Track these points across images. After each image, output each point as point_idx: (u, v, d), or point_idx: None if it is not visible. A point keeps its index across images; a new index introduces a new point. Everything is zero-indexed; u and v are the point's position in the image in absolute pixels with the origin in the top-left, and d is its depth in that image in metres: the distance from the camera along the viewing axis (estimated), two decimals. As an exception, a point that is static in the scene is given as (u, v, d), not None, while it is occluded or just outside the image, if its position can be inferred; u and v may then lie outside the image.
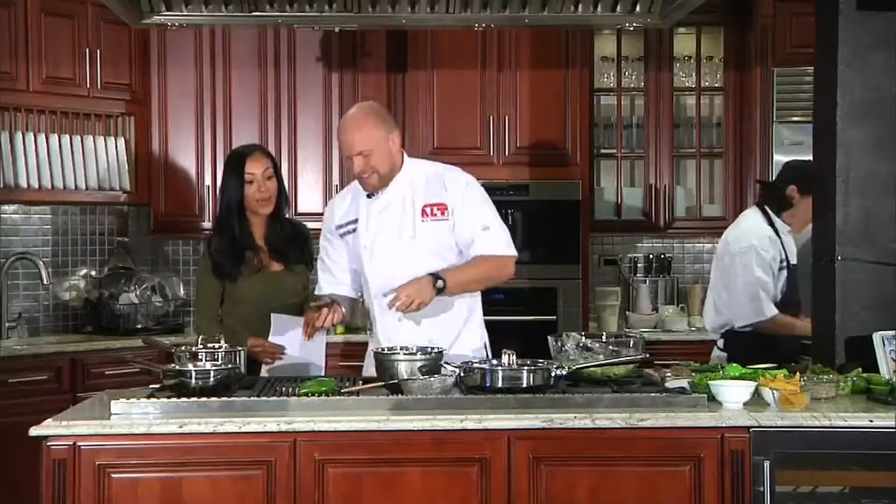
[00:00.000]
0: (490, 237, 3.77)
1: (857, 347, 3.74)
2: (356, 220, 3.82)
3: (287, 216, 4.26)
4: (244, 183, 4.02)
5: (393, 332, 3.71)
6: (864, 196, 3.87)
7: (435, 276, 3.62)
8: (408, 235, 3.75)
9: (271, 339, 3.95)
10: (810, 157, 4.20)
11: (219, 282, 4.03)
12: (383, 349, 3.52)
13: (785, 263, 4.58)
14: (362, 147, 3.67)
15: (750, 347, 4.39)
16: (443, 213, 3.76)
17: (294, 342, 3.91)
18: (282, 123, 6.23)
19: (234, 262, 4.01)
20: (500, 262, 3.81)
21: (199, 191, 6.22)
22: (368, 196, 3.80)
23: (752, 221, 4.69)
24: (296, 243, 4.15)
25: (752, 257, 4.53)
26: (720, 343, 4.72)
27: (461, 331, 3.83)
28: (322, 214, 6.20)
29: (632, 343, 3.45)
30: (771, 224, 4.61)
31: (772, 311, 4.52)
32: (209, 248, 4.08)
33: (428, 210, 3.76)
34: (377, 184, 3.74)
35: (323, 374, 3.94)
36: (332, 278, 3.91)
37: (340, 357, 5.57)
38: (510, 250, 3.82)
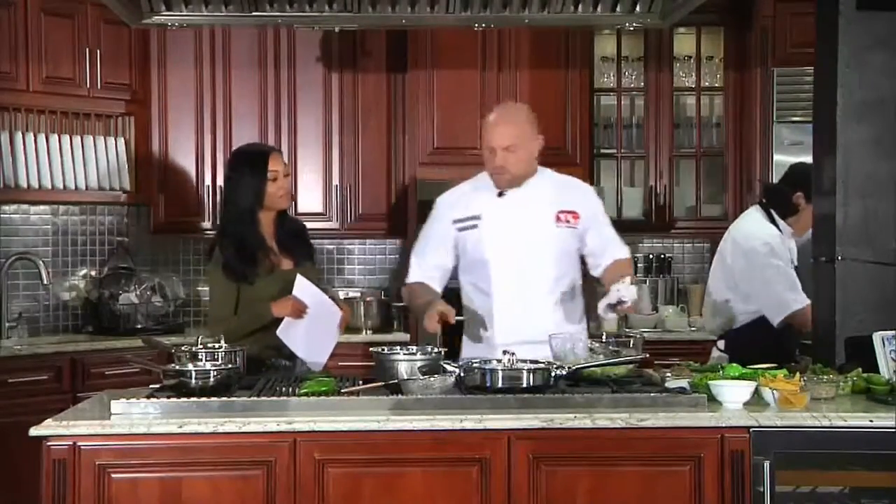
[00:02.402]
0: (622, 243, 3.95)
1: (857, 347, 3.74)
2: (478, 217, 3.82)
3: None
4: (267, 181, 3.98)
5: (512, 326, 3.71)
6: (864, 196, 3.87)
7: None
8: (540, 238, 3.78)
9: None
10: (809, 158, 4.20)
11: (233, 285, 3.96)
12: (383, 349, 3.52)
13: (792, 262, 4.59)
14: (509, 142, 3.72)
15: (752, 347, 4.38)
16: (575, 221, 3.83)
17: (311, 313, 3.88)
18: (282, 123, 6.23)
19: (248, 263, 3.96)
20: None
21: (199, 191, 6.22)
22: (500, 194, 3.80)
23: (759, 222, 4.66)
24: (302, 239, 4.15)
25: (770, 252, 4.52)
26: (720, 344, 4.72)
27: (577, 327, 3.85)
28: (321, 214, 6.27)
29: (632, 343, 3.46)
30: (775, 225, 4.62)
31: (806, 300, 4.46)
32: (220, 252, 3.97)
33: (562, 217, 3.82)
34: (510, 182, 3.77)
35: (321, 367, 3.93)
36: (420, 269, 3.91)
37: (340, 357, 5.56)
38: None
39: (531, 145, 3.78)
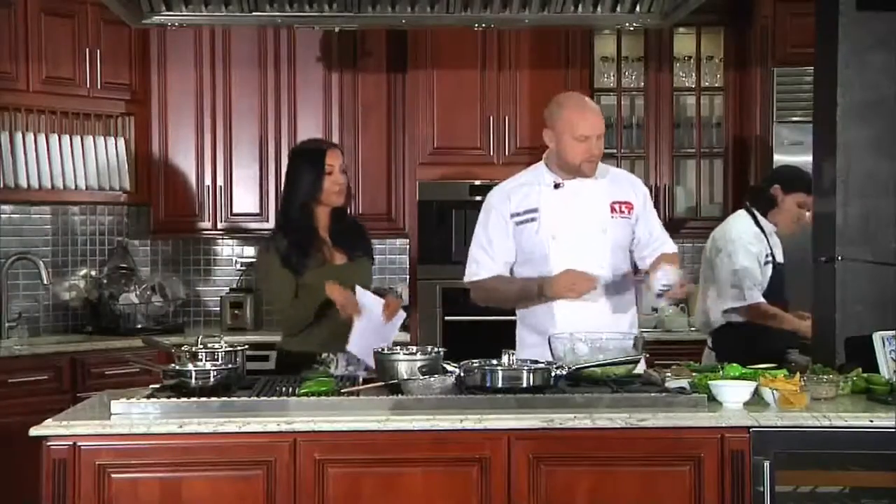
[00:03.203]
0: (668, 238, 3.95)
1: (857, 347, 3.74)
2: (535, 210, 3.82)
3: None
4: (324, 175, 4.03)
5: (571, 317, 3.69)
6: (864, 196, 3.87)
7: None
8: (598, 228, 3.78)
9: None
10: (809, 158, 4.22)
11: (290, 274, 3.99)
12: (383, 349, 3.52)
13: (771, 259, 4.64)
14: (601, 130, 3.80)
15: (739, 344, 4.42)
16: (629, 212, 3.85)
17: (369, 318, 3.92)
18: (282, 123, 6.23)
19: (302, 255, 4.00)
20: None
21: (199, 191, 6.22)
22: (556, 186, 3.81)
23: (738, 220, 4.80)
24: (358, 235, 4.19)
25: (737, 248, 4.63)
26: (710, 342, 4.77)
27: (632, 321, 3.86)
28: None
29: (632, 343, 3.45)
30: (757, 224, 4.68)
31: (754, 298, 4.57)
32: (275, 245, 4.03)
33: (616, 207, 3.83)
34: (596, 169, 3.82)
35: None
36: (491, 263, 3.88)
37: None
38: None
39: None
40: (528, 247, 3.83)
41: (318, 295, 3.97)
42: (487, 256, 3.87)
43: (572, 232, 3.77)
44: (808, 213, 4.55)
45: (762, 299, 4.58)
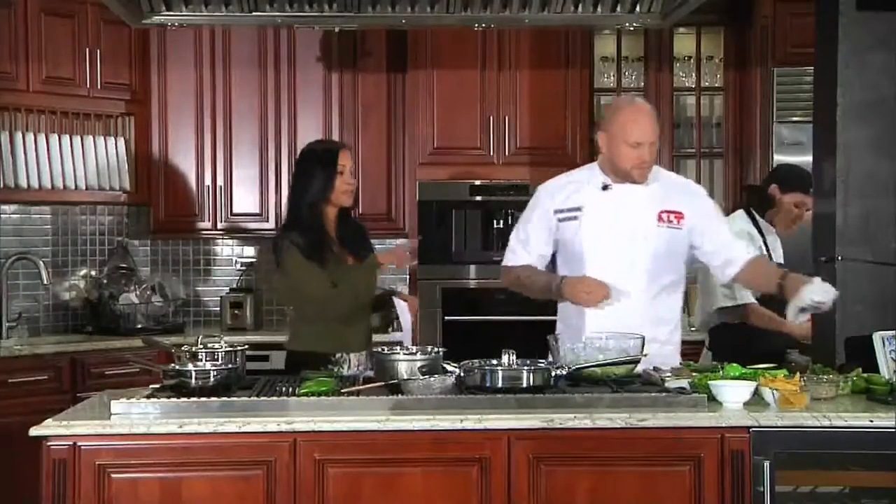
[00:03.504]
0: (747, 243, 3.93)
1: (857, 347, 3.74)
2: (579, 209, 3.81)
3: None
4: (336, 175, 4.06)
5: (603, 320, 3.66)
6: (864, 196, 3.87)
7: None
8: (641, 236, 3.75)
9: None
10: (809, 158, 4.22)
11: (317, 265, 4.00)
12: (383, 349, 3.52)
13: None
14: (654, 137, 3.73)
15: (736, 344, 4.41)
16: (678, 222, 3.79)
17: (404, 322, 4.10)
18: (282, 123, 6.23)
19: (319, 251, 4.02)
20: None
21: (199, 191, 6.22)
22: (604, 188, 3.80)
23: (734, 220, 4.73)
24: (362, 236, 4.23)
25: None
26: (707, 341, 4.77)
27: (671, 331, 3.84)
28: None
29: (632, 343, 3.45)
30: (756, 225, 4.65)
31: (745, 298, 4.54)
32: (290, 241, 4.02)
33: (664, 216, 3.78)
34: (647, 176, 3.77)
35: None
36: (526, 256, 3.90)
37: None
38: None
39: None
40: (567, 245, 3.84)
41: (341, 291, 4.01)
42: (524, 251, 3.92)
43: (612, 235, 3.76)
44: (807, 213, 4.54)
45: (753, 300, 4.55)
